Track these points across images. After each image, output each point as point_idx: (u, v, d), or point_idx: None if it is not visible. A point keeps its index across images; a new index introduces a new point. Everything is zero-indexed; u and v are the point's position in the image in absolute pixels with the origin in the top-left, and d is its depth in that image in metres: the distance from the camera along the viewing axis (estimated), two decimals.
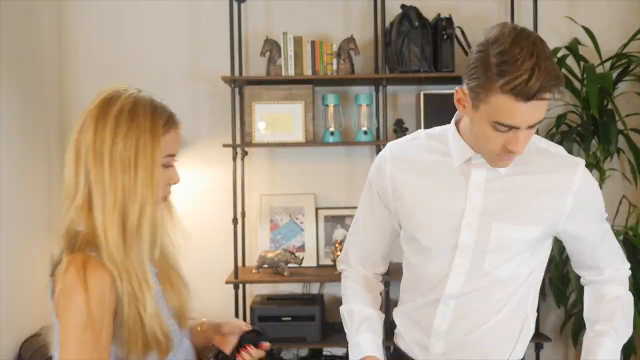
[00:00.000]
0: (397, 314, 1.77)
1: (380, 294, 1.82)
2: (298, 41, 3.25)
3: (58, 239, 1.37)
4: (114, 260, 1.31)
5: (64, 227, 1.36)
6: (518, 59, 1.36)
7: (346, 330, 1.73)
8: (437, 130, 1.67)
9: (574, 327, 3.29)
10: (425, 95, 3.24)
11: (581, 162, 1.60)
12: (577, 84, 3.33)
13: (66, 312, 1.34)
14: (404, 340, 1.72)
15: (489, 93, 1.39)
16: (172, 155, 1.40)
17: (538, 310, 3.29)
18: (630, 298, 1.70)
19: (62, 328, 1.34)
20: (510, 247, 1.57)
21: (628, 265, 1.74)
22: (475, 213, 1.57)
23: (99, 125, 1.33)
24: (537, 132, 3.24)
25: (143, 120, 1.34)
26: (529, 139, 1.47)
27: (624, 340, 1.66)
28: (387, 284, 3.12)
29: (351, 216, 2.75)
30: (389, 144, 1.73)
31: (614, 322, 1.65)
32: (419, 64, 3.18)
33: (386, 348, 1.88)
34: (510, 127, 1.42)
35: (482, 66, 1.40)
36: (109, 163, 1.31)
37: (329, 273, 3.27)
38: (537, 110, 1.40)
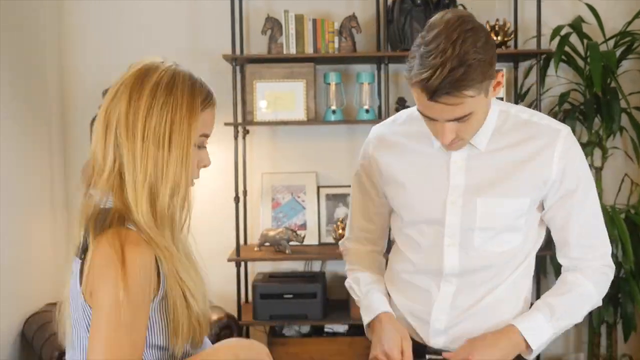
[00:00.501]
0: (388, 278, 1.77)
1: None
2: (299, 19, 3.23)
3: (83, 216, 1.28)
4: (152, 237, 1.22)
5: (90, 203, 1.29)
6: (430, 55, 1.37)
7: (355, 298, 1.76)
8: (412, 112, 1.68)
9: None
10: None
11: (564, 128, 1.58)
12: (580, 62, 3.31)
13: (100, 292, 1.18)
14: (397, 309, 1.71)
15: (409, 82, 1.43)
16: (207, 136, 1.33)
17: (538, 289, 3.31)
18: (591, 293, 1.61)
19: (96, 309, 1.18)
20: (496, 221, 1.57)
21: (609, 263, 1.64)
22: (459, 191, 1.58)
23: (133, 96, 1.24)
24: (540, 110, 3.23)
25: (181, 95, 1.25)
26: (464, 130, 1.47)
27: (561, 326, 1.59)
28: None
29: None
30: (373, 127, 1.76)
31: (556, 301, 1.59)
32: None
33: None
34: (430, 118, 1.45)
35: (411, 53, 1.44)
36: (141, 137, 1.23)
37: (331, 251, 3.29)
38: (446, 109, 1.40)
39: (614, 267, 1.66)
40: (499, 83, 1.50)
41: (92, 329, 1.18)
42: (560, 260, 1.67)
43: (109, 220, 1.22)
